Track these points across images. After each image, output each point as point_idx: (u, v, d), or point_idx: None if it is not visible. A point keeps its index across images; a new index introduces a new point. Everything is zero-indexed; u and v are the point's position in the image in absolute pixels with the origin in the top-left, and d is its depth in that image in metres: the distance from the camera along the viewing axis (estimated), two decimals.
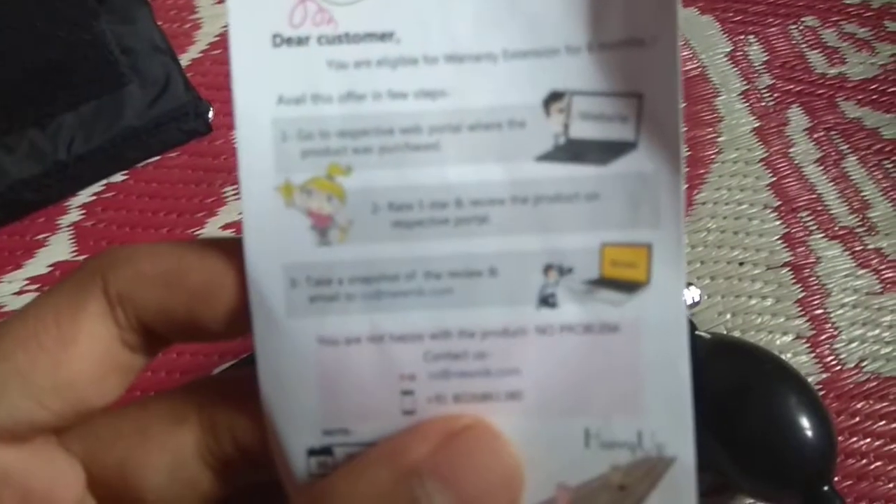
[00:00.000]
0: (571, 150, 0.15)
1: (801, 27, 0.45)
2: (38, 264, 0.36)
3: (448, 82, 0.15)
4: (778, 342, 0.35)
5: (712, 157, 0.40)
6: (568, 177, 0.15)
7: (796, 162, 0.40)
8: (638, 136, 0.14)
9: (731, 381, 0.29)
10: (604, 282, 0.15)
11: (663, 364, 0.15)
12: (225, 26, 0.42)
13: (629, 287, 0.15)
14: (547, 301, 0.15)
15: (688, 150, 0.40)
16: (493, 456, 0.14)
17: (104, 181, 0.38)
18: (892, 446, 0.32)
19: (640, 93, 0.14)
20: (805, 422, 0.28)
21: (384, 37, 0.15)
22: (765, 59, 0.43)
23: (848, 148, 0.40)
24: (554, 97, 0.15)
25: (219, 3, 0.43)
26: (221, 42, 0.42)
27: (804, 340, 0.35)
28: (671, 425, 0.14)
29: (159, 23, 0.40)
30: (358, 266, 0.15)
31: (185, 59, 0.41)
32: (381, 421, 0.15)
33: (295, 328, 0.15)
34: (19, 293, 0.35)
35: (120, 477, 0.16)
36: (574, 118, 0.15)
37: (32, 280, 0.35)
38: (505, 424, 0.15)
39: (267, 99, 0.15)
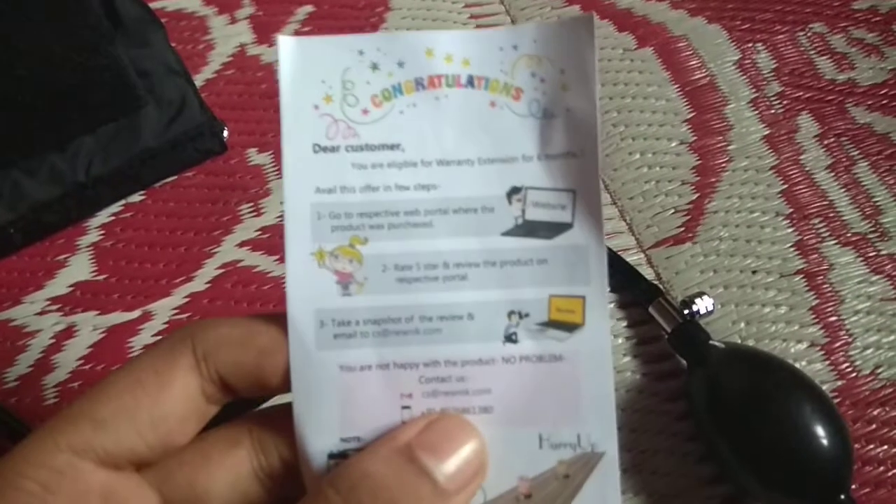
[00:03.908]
0: (527, 229, 0.20)
1: (808, 34, 0.45)
2: (59, 284, 0.36)
3: (438, 179, 0.20)
4: (792, 350, 0.35)
5: (723, 165, 0.40)
6: (524, 247, 0.20)
7: (807, 169, 0.40)
8: (573, 220, 0.20)
9: (746, 391, 0.29)
10: (551, 324, 0.20)
11: (594, 384, 0.20)
12: (238, 46, 0.43)
13: (569, 327, 0.20)
14: (510, 338, 0.20)
15: (698, 160, 0.40)
16: (464, 432, 0.19)
17: (122, 201, 0.38)
18: None
19: (574, 189, 0.20)
20: (820, 431, 0.28)
21: (393, 147, 0.20)
22: (773, 66, 0.43)
23: (859, 153, 0.41)
24: (514, 191, 0.20)
25: (231, 24, 0.44)
26: (235, 62, 0.43)
27: (819, 348, 0.35)
28: (601, 429, 0.20)
29: (173, 44, 0.41)
30: (370, 311, 0.20)
31: (199, 80, 0.41)
32: (385, 430, 0.20)
33: (322, 358, 0.20)
34: (41, 313, 0.36)
35: (189, 495, 0.19)
36: (528, 206, 0.20)
37: (53, 300, 0.36)
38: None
39: (307, 190, 0.20)
